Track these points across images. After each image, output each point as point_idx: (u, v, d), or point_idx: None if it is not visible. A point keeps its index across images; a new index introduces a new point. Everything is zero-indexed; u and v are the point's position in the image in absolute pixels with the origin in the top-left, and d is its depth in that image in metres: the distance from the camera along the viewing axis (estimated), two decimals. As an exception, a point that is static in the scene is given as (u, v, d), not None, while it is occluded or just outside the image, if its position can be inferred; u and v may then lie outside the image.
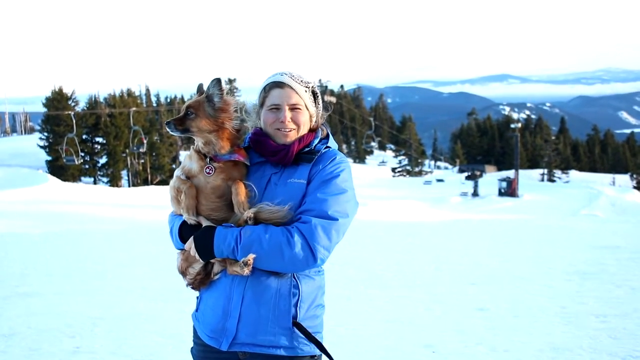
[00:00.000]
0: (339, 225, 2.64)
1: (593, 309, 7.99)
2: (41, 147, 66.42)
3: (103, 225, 20.71)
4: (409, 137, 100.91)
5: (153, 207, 29.72)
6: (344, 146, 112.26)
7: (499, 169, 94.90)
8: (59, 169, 61.27)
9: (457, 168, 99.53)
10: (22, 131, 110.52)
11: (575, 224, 21.54)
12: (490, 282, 9.98)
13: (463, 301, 8.59)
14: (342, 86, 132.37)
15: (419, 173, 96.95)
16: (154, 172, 73.18)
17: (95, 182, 67.84)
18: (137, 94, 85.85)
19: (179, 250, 2.86)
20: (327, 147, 2.90)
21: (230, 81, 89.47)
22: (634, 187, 72.87)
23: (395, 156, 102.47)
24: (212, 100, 2.72)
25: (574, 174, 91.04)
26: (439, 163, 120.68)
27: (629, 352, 6.14)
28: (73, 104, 69.34)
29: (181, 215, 2.77)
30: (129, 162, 70.69)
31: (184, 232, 2.75)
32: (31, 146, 70.99)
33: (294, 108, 2.79)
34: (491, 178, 67.97)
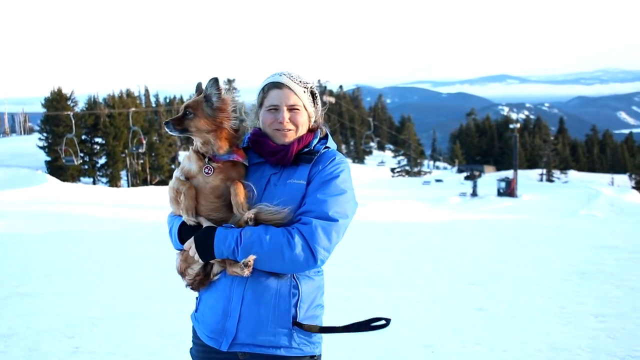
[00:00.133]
0: (339, 226, 2.64)
1: (592, 309, 8.00)
2: (40, 147, 66.39)
3: (102, 226, 20.70)
4: (408, 138, 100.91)
5: (152, 207, 29.71)
6: (343, 146, 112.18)
7: (498, 169, 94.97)
8: (58, 169, 61.25)
9: (456, 168, 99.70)
10: (21, 131, 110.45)
11: (574, 224, 21.56)
12: (489, 282, 9.98)
13: (462, 301, 8.60)
14: (341, 86, 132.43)
15: (418, 173, 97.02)
16: (153, 173, 73.18)
17: (94, 183, 67.81)
18: (136, 94, 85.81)
19: (178, 251, 2.86)
20: (326, 147, 2.90)
21: (230, 81, 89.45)
22: (633, 187, 72.86)
23: (395, 156, 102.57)
24: (210, 100, 2.72)
25: (572, 174, 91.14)
26: (438, 163, 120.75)
27: (628, 352, 6.15)
28: (72, 105, 69.26)
29: (180, 216, 2.77)
30: (128, 163, 70.68)
31: (184, 232, 2.74)
32: (30, 146, 70.98)
33: (292, 108, 2.79)
34: (490, 178, 68.03)
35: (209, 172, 2.71)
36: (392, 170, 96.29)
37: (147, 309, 8.15)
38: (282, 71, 2.87)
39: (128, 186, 67.07)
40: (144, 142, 50.10)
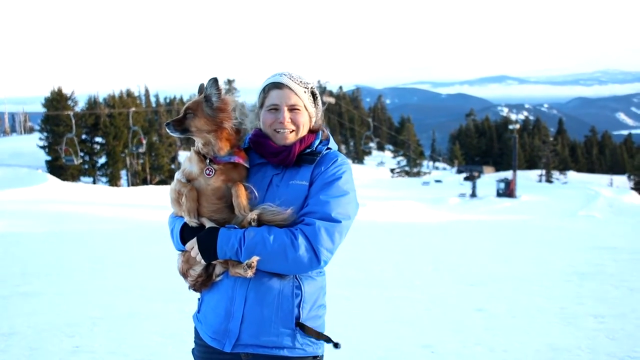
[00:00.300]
0: (341, 227, 2.65)
1: (591, 310, 8.01)
2: (40, 147, 66.36)
3: (102, 225, 20.68)
4: (408, 138, 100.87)
5: (152, 207, 29.68)
6: (343, 147, 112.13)
7: (497, 170, 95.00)
8: (58, 168, 61.23)
9: (455, 169, 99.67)
10: (21, 131, 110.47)
11: (573, 224, 21.57)
12: (488, 283, 9.99)
13: (462, 302, 8.61)
14: (340, 87, 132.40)
15: (418, 174, 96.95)
16: (153, 172, 73.17)
17: (94, 182, 67.77)
18: (136, 94, 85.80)
19: (180, 252, 2.86)
20: (327, 148, 2.91)
21: (230, 81, 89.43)
22: (632, 188, 72.74)
23: (394, 157, 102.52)
24: (210, 100, 2.72)
25: (571, 175, 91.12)
26: (437, 164, 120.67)
27: (627, 353, 6.17)
28: (72, 104, 69.21)
29: (182, 217, 2.78)
30: (128, 162, 70.68)
31: (186, 233, 2.74)
32: (30, 146, 70.95)
33: (293, 109, 2.80)
34: (489, 179, 68.06)
35: (210, 173, 2.70)
36: (392, 170, 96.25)
37: (147, 308, 8.15)
38: (283, 71, 2.87)
39: (128, 186, 67.04)
40: (144, 142, 50.11)
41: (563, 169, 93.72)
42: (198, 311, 2.93)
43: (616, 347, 6.37)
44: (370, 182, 62.43)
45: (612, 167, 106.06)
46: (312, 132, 2.93)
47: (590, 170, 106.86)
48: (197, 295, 2.94)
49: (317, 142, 2.90)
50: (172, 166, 74.21)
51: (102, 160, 70.04)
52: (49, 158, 64.78)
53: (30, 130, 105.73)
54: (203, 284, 2.79)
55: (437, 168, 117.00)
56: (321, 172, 2.77)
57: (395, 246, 14.87)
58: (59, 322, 7.37)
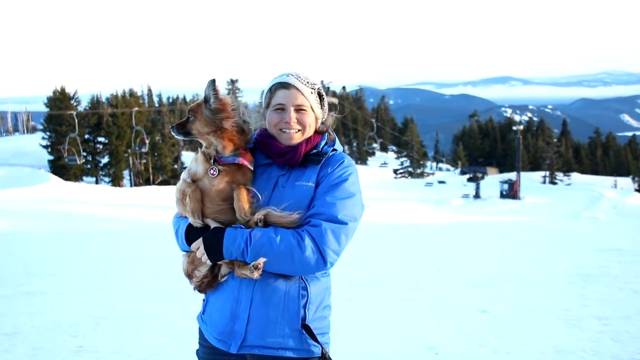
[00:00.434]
0: (348, 229, 2.64)
1: (596, 312, 8.00)
2: (43, 146, 66.46)
3: (105, 225, 20.70)
4: (411, 139, 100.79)
5: (155, 207, 29.71)
6: (346, 147, 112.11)
7: (501, 171, 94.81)
8: (61, 168, 61.31)
9: (458, 170, 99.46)
10: (24, 130, 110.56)
11: (577, 226, 21.56)
12: (493, 284, 9.98)
13: (466, 303, 8.60)
14: (344, 87, 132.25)
15: (421, 175, 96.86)
16: (156, 172, 73.24)
17: (97, 182, 67.88)
18: (139, 94, 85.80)
19: (184, 253, 2.85)
20: (333, 149, 2.90)
21: (233, 82, 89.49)
22: (636, 190, 72.65)
23: (397, 158, 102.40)
24: (208, 102, 2.71)
25: (575, 176, 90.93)
26: (440, 165, 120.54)
27: (632, 355, 6.16)
28: (75, 104, 69.33)
29: (187, 217, 2.77)
30: (131, 162, 70.72)
31: (191, 234, 2.73)
32: (33, 145, 71.07)
33: (299, 109, 2.78)
34: (493, 180, 67.80)
35: (214, 173, 2.69)
36: (395, 171, 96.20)
37: (150, 308, 8.15)
38: (290, 72, 2.86)
39: (131, 186, 67.10)
40: (147, 141, 50.10)
41: (567, 170, 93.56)
42: (203, 312, 2.91)
43: (621, 350, 6.35)
44: (373, 183, 62.34)
45: (616, 169, 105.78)
46: (318, 133, 2.91)
47: (594, 171, 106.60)
48: (201, 295, 2.92)
49: (323, 143, 2.88)
50: (175, 166, 74.30)
51: (105, 160, 70.12)
52: (51, 158, 64.86)
53: (33, 130, 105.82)
54: (208, 285, 2.78)
55: (440, 169, 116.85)
56: (327, 174, 2.76)
57: (399, 247, 14.86)
58: (62, 322, 7.37)
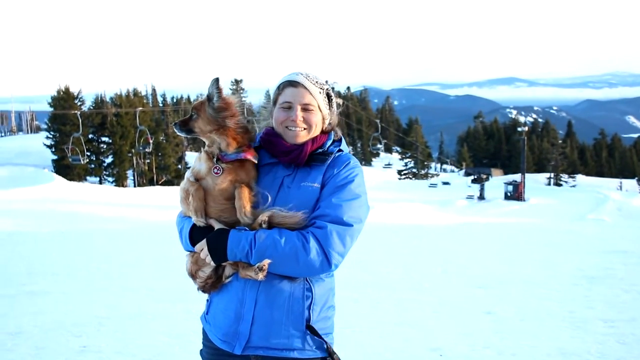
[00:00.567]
0: (353, 231, 2.62)
1: (601, 314, 7.96)
2: (47, 146, 66.70)
3: (108, 225, 20.74)
4: (415, 140, 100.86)
5: (158, 207, 29.77)
6: (350, 148, 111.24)
7: (506, 173, 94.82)
8: (64, 168, 61.51)
9: (463, 171, 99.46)
10: (28, 130, 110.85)
11: (583, 228, 21.51)
12: (497, 286, 9.95)
13: (470, 304, 8.57)
14: (348, 88, 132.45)
15: (425, 176, 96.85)
16: (159, 172, 73.40)
17: (100, 182, 68.10)
18: (143, 93, 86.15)
19: (188, 253, 2.83)
20: (339, 150, 2.88)
21: (237, 82, 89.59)
22: (641, 192, 72.58)
23: (402, 159, 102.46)
24: (212, 100, 2.70)
25: (580, 178, 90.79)
26: (445, 166, 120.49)
27: (638, 358, 6.15)
28: (79, 103, 69.59)
29: (191, 216, 2.75)
30: (134, 162, 70.92)
31: (195, 234, 2.71)
32: (37, 145, 71.33)
33: (306, 108, 2.76)
34: (497, 181, 67.88)
35: (218, 172, 2.67)
36: (399, 172, 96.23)
37: (154, 308, 8.15)
38: (299, 71, 2.85)
39: (134, 186, 67.34)
40: (151, 141, 50.12)
41: (572, 172, 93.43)
42: (206, 312, 2.89)
43: (626, 352, 6.32)
44: (377, 184, 62.46)
45: (621, 171, 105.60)
46: (325, 133, 2.90)
47: (600, 173, 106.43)
48: (205, 295, 2.91)
49: (329, 142, 2.87)
50: (179, 166, 74.46)
51: (109, 159, 70.40)
52: (55, 157, 65.12)
53: (37, 130, 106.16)
54: (212, 285, 2.76)
55: (444, 170, 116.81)
56: (333, 175, 2.74)
57: (403, 248, 14.84)
58: (65, 322, 7.36)
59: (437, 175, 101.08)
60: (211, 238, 2.61)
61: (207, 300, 2.90)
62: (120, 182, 68.63)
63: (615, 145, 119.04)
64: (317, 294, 2.69)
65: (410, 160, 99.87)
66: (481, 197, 55.70)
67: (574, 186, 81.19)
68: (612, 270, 11.39)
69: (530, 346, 6.53)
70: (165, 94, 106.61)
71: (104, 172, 70.35)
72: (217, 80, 2.70)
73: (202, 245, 2.63)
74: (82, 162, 48.60)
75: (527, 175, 62.53)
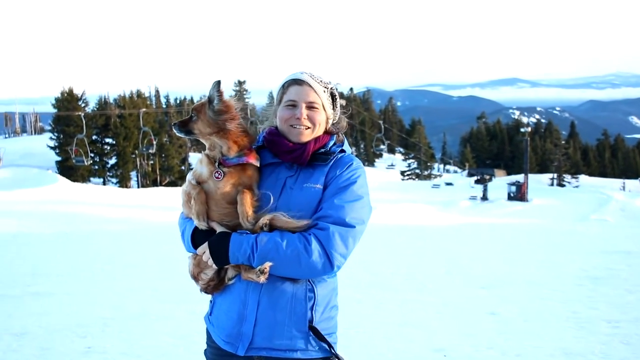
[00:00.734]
0: (355, 232, 2.62)
1: (605, 314, 7.96)
2: (51, 147, 66.71)
3: (112, 226, 20.75)
4: (418, 141, 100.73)
5: (162, 208, 29.73)
6: (353, 149, 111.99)
7: (509, 173, 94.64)
8: (68, 169, 61.49)
9: (466, 172, 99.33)
10: (32, 131, 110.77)
11: (586, 228, 21.50)
12: (501, 286, 9.96)
13: (474, 305, 8.58)
14: (351, 89, 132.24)
15: (428, 177, 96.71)
16: (163, 174, 73.40)
17: (104, 183, 68.07)
18: (146, 95, 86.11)
19: (190, 255, 2.83)
20: (342, 150, 2.88)
21: (241, 83, 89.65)
22: (644, 192, 72.42)
23: (405, 159, 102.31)
24: (212, 103, 2.69)
25: (583, 178, 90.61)
26: (448, 167, 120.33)
27: (642, 358, 6.12)
28: (83, 105, 69.63)
29: (193, 219, 2.76)
30: (138, 163, 70.89)
31: (197, 237, 2.72)
32: (41, 146, 71.29)
33: (311, 106, 2.77)
34: (500, 182, 67.71)
35: (220, 176, 2.67)
36: (402, 173, 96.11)
37: (158, 309, 8.16)
38: (304, 70, 2.85)
39: (138, 187, 67.28)
40: (154, 143, 50.12)
41: (575, 172, 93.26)
42: (210, 313, 2.90)
43: (630, 353, 6.32)
44: (380, 185, 62.33)
45: (624, 171, 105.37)
46: (328, 133, 2.90)
47: (603, 174, 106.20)
48: (208, 296, 2.91)
49: (332, 142, 2.87)
50: (182, 167, 74.42)
51: (112, 161, 70.35)
52: (59, 159, 65.12)
53: (41, 131, 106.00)
54: (215, 287, 2.76)
55: (448, 171, 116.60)
56: (336, 176, 2.74)
57: (406, 249, 14.85)
58: (70, 323, 7.38)
59: (440, 176, 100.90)
60: (213, 241, 2.62)
61: (211, 301, 2.91)
62: (123, 183, 68.64)
63: (618, 146, 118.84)
64: (319, 294, 2.70)
65: (413, 161, 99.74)
66: (484, 197, 55.56)
67: (577, 187, 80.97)
68: (615, 270, 11.39)
69: (534, 347, 6.54)
70: (168, 95, 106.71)
71: (108, 173, 70.33)
72: (218, 82, 2.70)
73: (204, 249, 2.65)
74: (85, 163, 48.65)
75: (530, 175, 62.43)
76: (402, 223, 24.91)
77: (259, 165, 2.77)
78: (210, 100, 2.70)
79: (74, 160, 49.49)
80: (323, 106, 2.81)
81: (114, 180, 70.53)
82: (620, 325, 7.42)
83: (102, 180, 69.47)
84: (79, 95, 69.13)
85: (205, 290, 2.79)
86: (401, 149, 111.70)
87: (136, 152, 67.09)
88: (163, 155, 72.77)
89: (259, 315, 2.63)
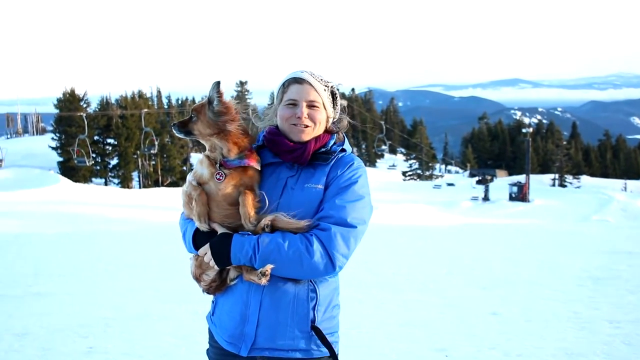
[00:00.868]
0: (357, 232, 2.62)
1: (606, 315, 7.96)
2: (53, 148, 66.69)
3: (114, 226, 20.76)
4: (420, 141, 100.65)
5: (164, 208, 29.76)
6: (355, 149, 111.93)
7: (510, 174, 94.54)
8: (70, 170, 61.49)
9: (467, 172, 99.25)
10: (33, 132, 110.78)
11: (587, 229, 21.49)
12: (502, 287, 9.96)
13: (476, 305, 8.57)
14: (353, 89, 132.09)
15: (430, 177, 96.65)
16: (164, 174, 73.40)
17: (106, 184, 68.11)
18: (148, 95, 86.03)
19: (192, 256, 2.83)
20: (342, 149, 2.88)
21: (242, 83, 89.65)
22: (646, 193, 72.33)
23: (406, 160, 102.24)
24: (212, 104, 2.69)
25: (585, 179, 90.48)
26: (449, 167, 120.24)
27: (644, 359, 6.12)
28: (85, 105, 69.66)
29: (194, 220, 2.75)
30: (139, 164, 70.89)
31: (198, 238, 2.72)
32: (43, 147, 71.31)
33: (311, 105, 2.76)
34: (502, 183, 67.66)
35: (221, 178, 2.66)
36: (404, 173, 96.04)
37: (159, 309, 8.17)
38: (304, 69, 2.84)
39: (139, 187, 67.30)
40: (156, 143, 50.17)
41: (576, 173, 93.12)
42: (212, 313, 2.90)
43: (632, 353, 6.32)
44: (382, 185, 62.31)
45: (626, 172, 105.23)
46: (328, 132, 2.89)
47: (604, 174, 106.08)
48: (210, 296, 2.91)
49: (332, 142, 2.86)
50: (184, 168, 74.40)
51: (114, 161, 70.35)
52: (61, 159, 65.13)
53: (43, 131, 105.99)
54: (217, 288, 2.76)
55: (449, 171, 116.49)
56: (337, 176, 2.74)
57: (408, 249, 14.84)
58: (71, 323, 7.38)
59: (442, 176, 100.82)
60: (214, 243, 2.62)
61: (213, 301, 2.91)
62: (125, 183, 68.64)
63: (619, 147, 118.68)
64: (321, 294, 2.70)
65: (414, 161, 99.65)
66: (486, 198, 55.53)
67: (578, 187, 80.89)
68: (617, 271, 11.38)
69: (535, 347, 6.54)
70: (170, 95, 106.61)
71: (110, 174, 70.34)
72: (218, 83, 2.69)
73: (206, 250, 2.64)
74: (87, 163, 48.65)
75: (531, 176, 62.41)
76: (404, 223, 24.91)
77: (259, 169, 2.77)
78: (210, 101, 2.70)
79: (75, 161, 49.54)
80: (324, 105, 2.80)
81: (116, 180, 70.55)
82: (621, 325, 7.42)
83: (103, 180, 69.49)
84: (81, 96, 69.11)
85: (208, 291, 2.79)
86: (403, 150, 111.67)
87: (138, 152, 67.09)
88: (165, 155, 72.77)
89: (261, 315, 2.63)
